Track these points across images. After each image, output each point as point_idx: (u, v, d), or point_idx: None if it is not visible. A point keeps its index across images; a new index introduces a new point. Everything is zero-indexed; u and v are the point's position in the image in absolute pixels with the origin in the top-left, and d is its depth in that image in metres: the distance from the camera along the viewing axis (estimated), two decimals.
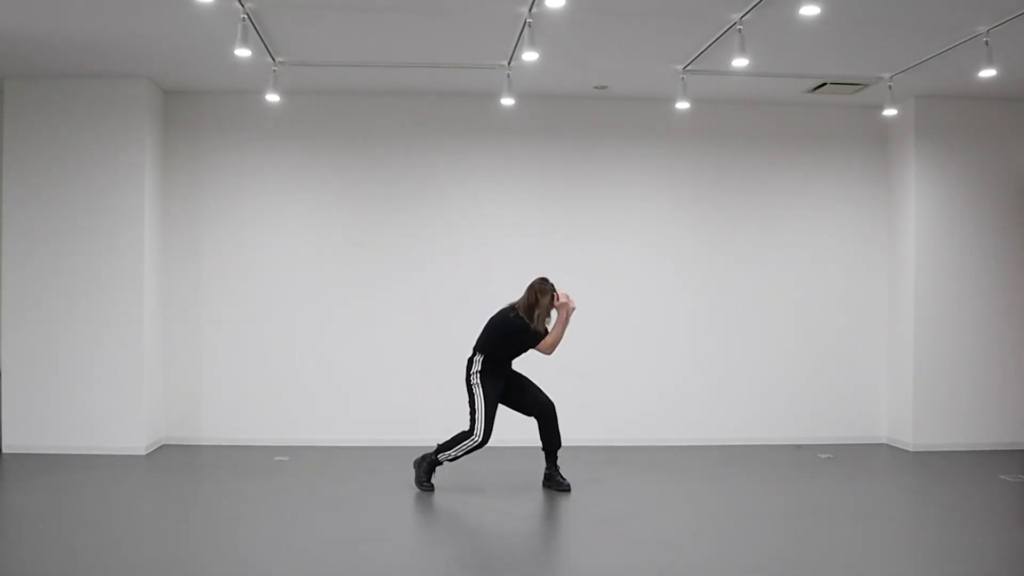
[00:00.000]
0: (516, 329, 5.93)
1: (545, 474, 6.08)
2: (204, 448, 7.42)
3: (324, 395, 7.61)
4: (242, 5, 5.44)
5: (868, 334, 7.95)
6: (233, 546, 4.77)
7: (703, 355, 7.83)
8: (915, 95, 7.49)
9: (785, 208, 7.91)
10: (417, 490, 5.95)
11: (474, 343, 6.04)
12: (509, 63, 6.48)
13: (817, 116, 7.89)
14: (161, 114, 7.48)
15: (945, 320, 7.59)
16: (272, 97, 6.65)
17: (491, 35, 6.01)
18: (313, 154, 7.67)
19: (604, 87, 7.37)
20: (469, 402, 5.93)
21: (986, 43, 5.78)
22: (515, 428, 7.71)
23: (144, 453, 7.11)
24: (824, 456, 7.30)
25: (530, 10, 5.44)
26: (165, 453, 7.23)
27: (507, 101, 6.66)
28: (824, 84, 7.14)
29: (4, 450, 7.07)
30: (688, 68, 6.63)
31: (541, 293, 5.92)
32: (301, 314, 7.62)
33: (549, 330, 6.00)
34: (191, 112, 7.58)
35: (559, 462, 6.09)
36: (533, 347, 6.00)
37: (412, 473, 6.14)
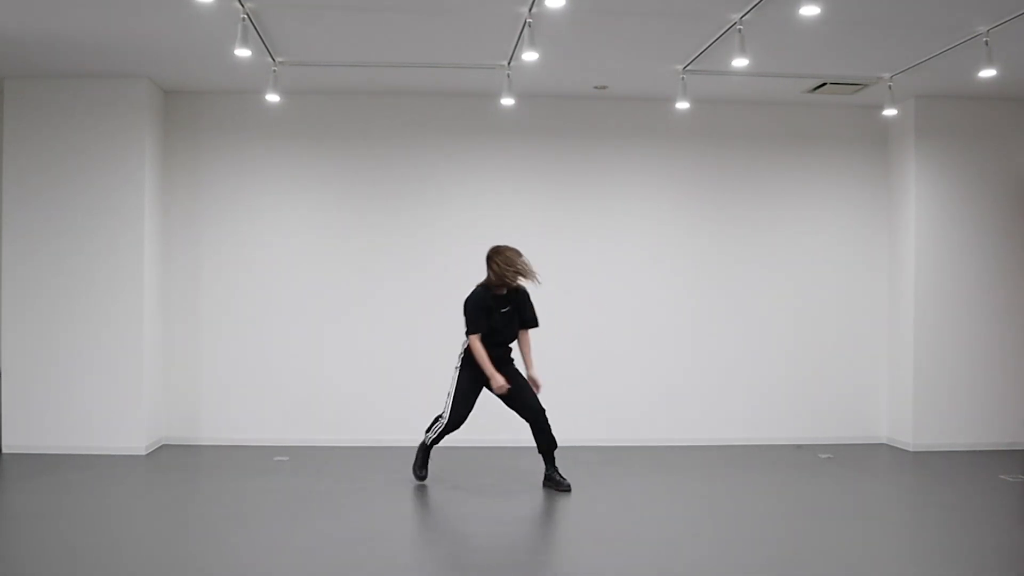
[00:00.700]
0: (471, 300, 5.94)
1: (545, 475, 6.09)
2: (204, 448, 7.42)
3: (324, 395, 7.61)
4: (242, 5, 5.44)
5: (868, 334, 7.95)
6: (233, 546, 4.77)
7: (703, 355, 7.83)
8: (915, 95, 7.49)
9: (785, 208, 7.91)
10: (419, 487, 5.95)
11: None
12: (509, 63, 6.48)
13: (817, 116, 7.89)
14: (161, 114, 7.48)
15: (945, 320, 7.59)
16: (272, 97, 6.65)
17: (491, 35, 6.01)
18: (313, 154, 7.67)
19: (604, 87, 7.37)
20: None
21: (986, 43, 5.78)
22: (514, 428, 7.71)
23: (144, 453, 7.11)
24: (824, 456, 7.30)
25: (530, 10, 5.44)
26: (165, 453, 7.23)
27: (507, 101, 6.66)
28: (824, 84, 7.14)
29: (4, 450, 7.07)
30: (688, 68, 6.63)
31: (491, 258, 5.92)
32: (301, 314, 7.62)
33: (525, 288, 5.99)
34: (191, 112, 7.58)
35: (557, 463, 6.09)
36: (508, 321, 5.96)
37: (410, 472, 6.20)
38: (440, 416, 6.09)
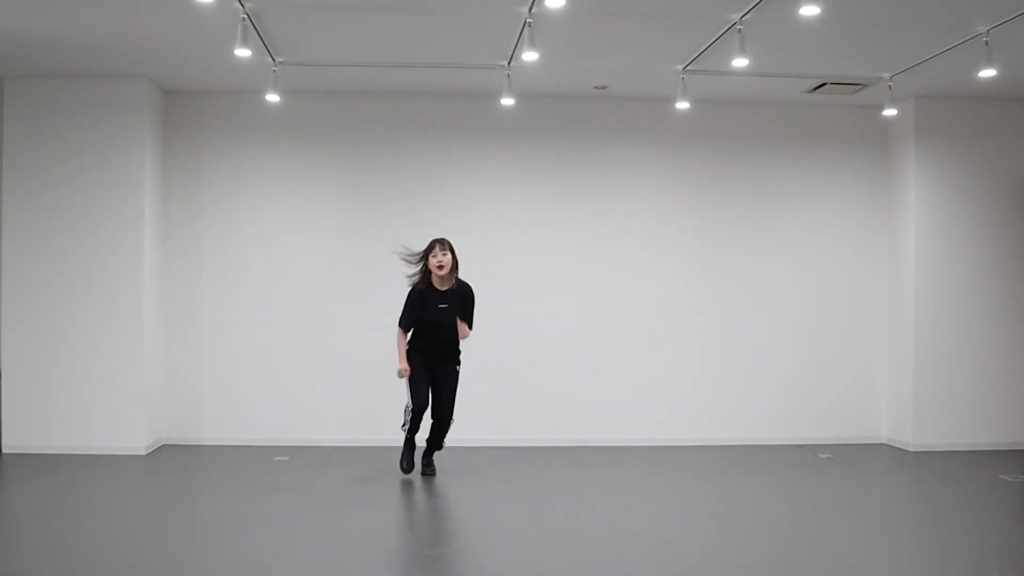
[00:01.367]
0: (408, 293, 6.20)
1: (423, 458, 6.43)
2: (204, 448, 7.42)
3: (324, 395, 7.61)
4: (242, 5, 5.44)
5: (868, 334, 7.95)
6: (233, 546, 4.77)
7: (702, 355, 7.83)
8: (915, 95, 7.49)
9: (785, 208, 7.91)
10: (422, 486, 5.97)
11: None
12: (509, 63, 6.48)
13: (817, 116, 7.89)
14: (161, 114, 7.48)
15: (945, 320, 7.59)
16: (272, 97, 6.65)
17: (491, 35, 6.01)
18: (313, 154, 7.67)
19: (604, 87, 7.37)
20: None
21: (986, 43, 5.78)
22: (514, 428, 7.72)
23: (144, 453, 7.11)
24: (824, 456, 7.30)
25: (530, 10, 5.44)
26: (165, 453, 7.23)
27: (507, 101, 6.66)
28: (824, 84, 7.14)
29: (4, 450, 7.07)
30: (688, 68, 6.63)
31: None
32: (301, 313, 7.62)
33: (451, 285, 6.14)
34: (191, 112, 7.58)
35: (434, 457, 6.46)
36: (432, 316, 6.14)
37: (411, 473, 6.25)
38: (407, 405, 6.23)
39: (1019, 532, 5.13)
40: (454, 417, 6.33)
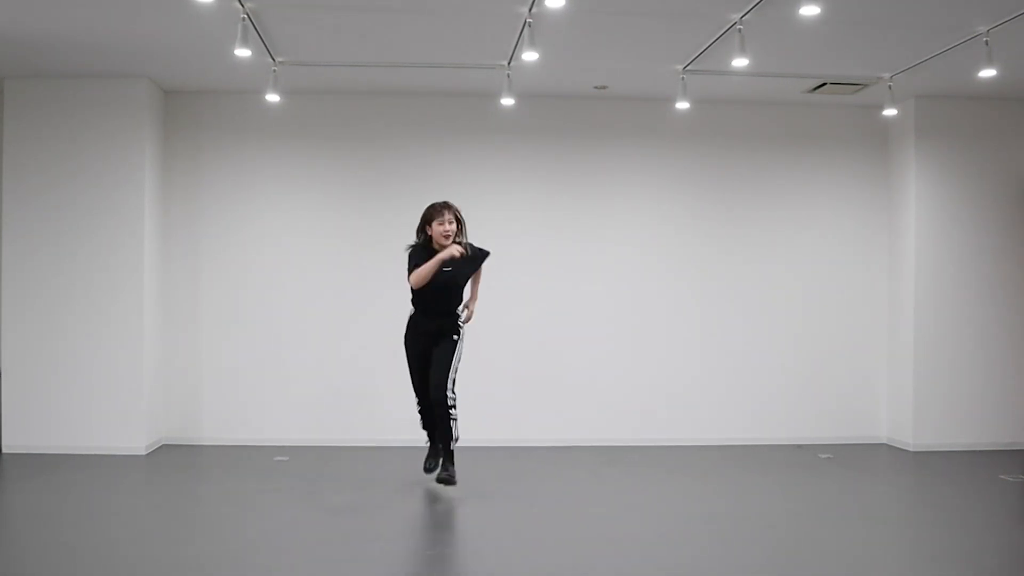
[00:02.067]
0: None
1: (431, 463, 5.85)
2: (204, 448, 7.42)
3: (324, 395, 7.61)
4: (242, 5, 5.44)
5: (868, 334, 7.94)
6: (233, 546, 4.77)
7: (702, 355, 7.83)
8: (915, 95, 7.49)
9: (785, 208, 7.91)
10: (421, 486, 5.96)
11: None
12: (509, 63, 6.48)
13: (817, 116, 7.89)
14: (161, 114, 7.48)
15: (945, 320, 7.59)
16: (272, 97, 6.65)
17: (491, 35, 6.01)
18: (313, 154, 7.67)
19: (604, 87, 7.37)
20: None
21: (986, 43, 5.78)
22: (513, 428, 7.72)
23: (144, 453, 7.10)
24: (824, 456, 7.30)
25: (530, 10, 5.44)
26: (165, 453, 7.23)
27: (507, 101, 6.66)
28: (824, 84, 7.14)
29: (4, 450, 7.07)
30: (688, 68, 6.63)
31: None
32: (301, 313, 7.62)
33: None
34: (191, 112, 7.58)
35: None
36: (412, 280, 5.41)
37: (411, 472, 6.20)
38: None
39: (1019, 532, 5.13)
40: (453, 399, 5.54)
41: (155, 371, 7.37)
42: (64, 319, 7.10)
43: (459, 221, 5.49)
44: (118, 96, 7.09)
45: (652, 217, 7.83)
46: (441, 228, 5.39)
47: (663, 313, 7.80)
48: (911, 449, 7.55)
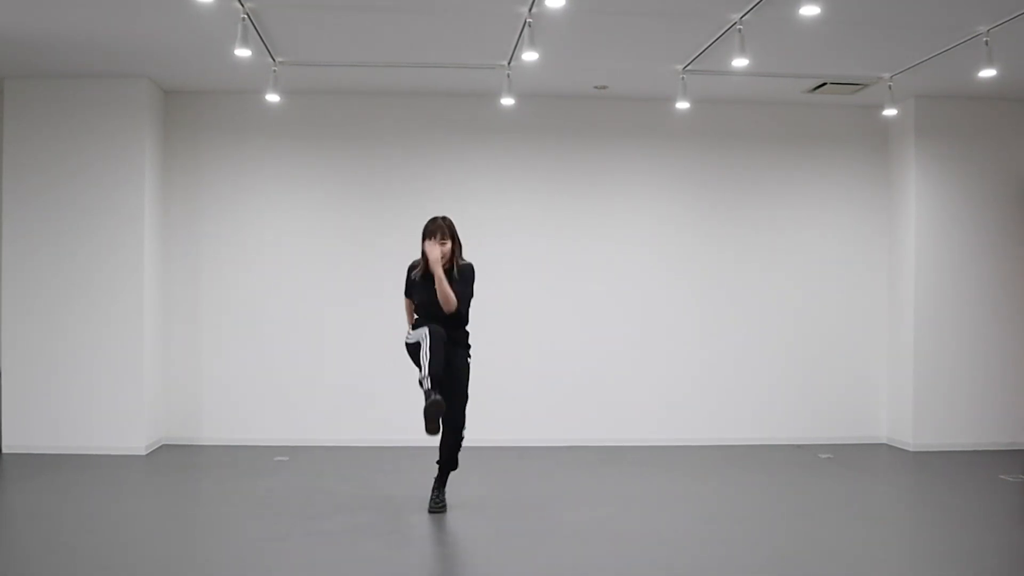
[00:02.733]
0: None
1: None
2: (204, 448, 7.42)
3: (324, 395, 7.61)
4: (242, 5, 5.44)
5: (868, 334, 7.95)
6: (233, 546, 4.77)
7: (703, 355, 7.83)
8: (915, 95, 7.49)
9: (785, 208, 7.91)
10: (421, 485, 5.95)
11: None
12: (509, 63, 6.48)
13: (817, 116, 7.89)
14: (161, 114, 7.48)
15: (945, 320, 7.59)
16: (272, 97, 6.65)
17: (491, 35, 6.01)
18: (313, 154, 7.67)
19: (604, 87, 7.37)
20: None
21: (986, 43, 5.78)
22: (513, 428, 7.72)
23: (144, 453, 7.11)
24: (824, 456, 7.30)
25: (530, 10, 5.44)
26: (165, 453, 7.23)
27: (507, 101, 6.66)
28: (824, 84, 7.14)
29: (4, 450, 7.07)
30: (688, 68, 6.63)
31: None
32: (301, 314, 7.62)
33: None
34: (191, 112, 7.58)
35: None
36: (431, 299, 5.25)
37: (410, 472, 6.21)
38: (419, 378, 5.35)
39: (1019, 532, 5.13)
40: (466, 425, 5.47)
41: (155, 371, 7.37)
42: (64, 319, 7.10)
43: (454, 240, 5.31)
44: (118, 96, 7.09)
45: (652, 217, 7.83)
46: (432, 253, 5.20)
47: (663, 313, 7.80)
48: (911, 449, 7.55)
